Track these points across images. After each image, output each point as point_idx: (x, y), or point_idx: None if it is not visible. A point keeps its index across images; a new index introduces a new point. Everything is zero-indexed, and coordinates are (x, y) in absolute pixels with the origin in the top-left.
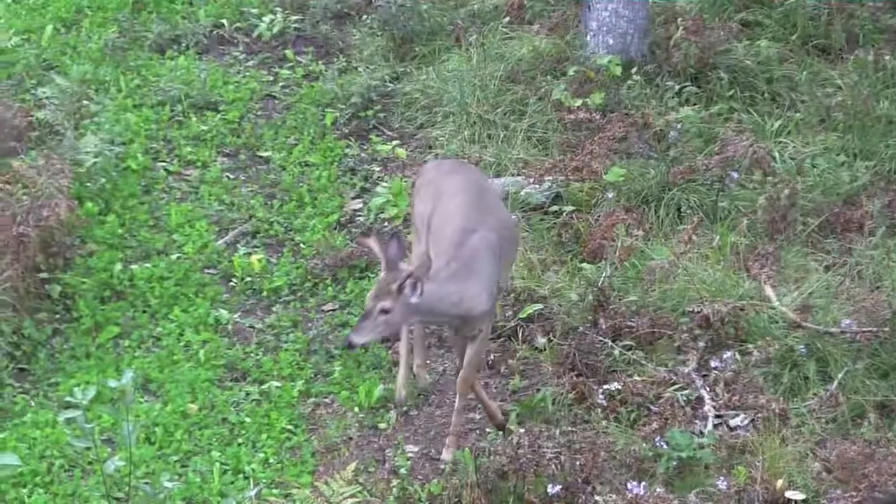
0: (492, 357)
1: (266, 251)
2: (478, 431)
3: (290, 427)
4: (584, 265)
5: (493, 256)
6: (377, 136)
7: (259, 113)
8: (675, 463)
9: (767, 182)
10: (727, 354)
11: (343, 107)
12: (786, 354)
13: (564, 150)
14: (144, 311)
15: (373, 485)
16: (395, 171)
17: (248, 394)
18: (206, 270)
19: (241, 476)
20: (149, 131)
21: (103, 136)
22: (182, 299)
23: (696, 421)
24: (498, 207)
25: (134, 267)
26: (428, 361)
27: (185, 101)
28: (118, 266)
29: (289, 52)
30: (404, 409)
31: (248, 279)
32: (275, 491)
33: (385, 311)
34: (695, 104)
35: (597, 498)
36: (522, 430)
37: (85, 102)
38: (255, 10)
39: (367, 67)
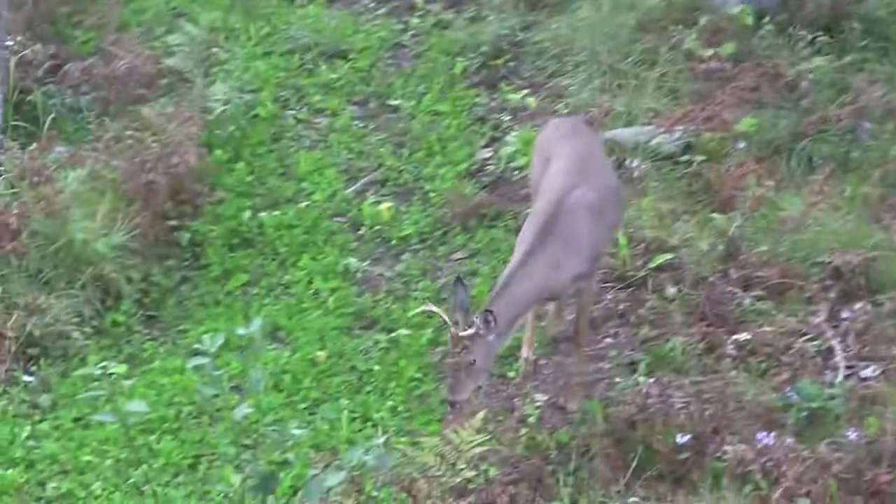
0: (621, 306)
1: (395, 199)
2: (606, 381)
3: (418, 375)
4: (715, 215)
5: (590, 215)
6: (507, 84)
7: (389, 61)
8: (804, 413)
9: None
10: (858, 305)
11: (473, 55)
12: None
13: (695, 99)
14: (273, 259)
15: (501, 434)
16: (525, 120)
17: (376, 342)
18: (335, 218)
19: (369, 424)
20: (278, 79)
21: (233, 84)
22: (311, 247)
23: (827, 372)
24: (603, 170)
25: (263, 214)
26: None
27: (314, 49)
28: (247, 213)
29: (419, 1)
30: (533, 358)
31: (377, 227)
32: (403, 439)
33: (471, 364)
34: (827, 54)
35: (726, 448)
36: (652, 380)
37: (214, 50)
38: None
39: (498, 16)
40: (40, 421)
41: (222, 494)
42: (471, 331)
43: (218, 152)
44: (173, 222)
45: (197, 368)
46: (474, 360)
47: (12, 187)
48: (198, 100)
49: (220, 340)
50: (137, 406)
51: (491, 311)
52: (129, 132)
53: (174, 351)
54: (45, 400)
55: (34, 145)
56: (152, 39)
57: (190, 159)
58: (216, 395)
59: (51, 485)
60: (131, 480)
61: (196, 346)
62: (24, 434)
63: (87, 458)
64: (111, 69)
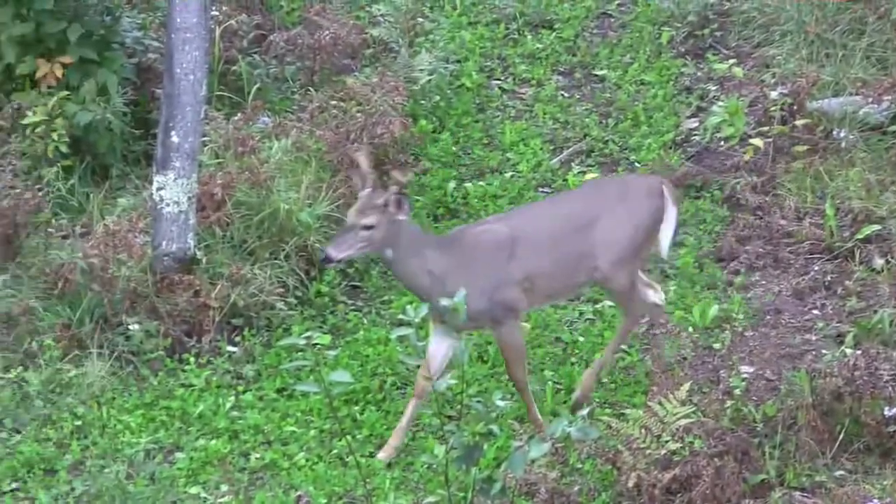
0: (828, 278)
1: (600, 169)
2: (813, 353)
3: (622, 347)
4: None
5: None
6: (713, 54)
7: (594, 31)
8: None
9: None
10: None
11: (679, 25)
12: None
13: None
14: None
15: (707, 405)
16: (732, 90)
17: (581, 313)
18: (540, 189)
19: (573, 395)
20: (483, 49)
21: (437, 54)
22: None
23: None
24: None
25: (467, 185)
26: (763, 282)
27: (519, 19)
28: (451, 184)
29: None
30: (739, 329)
31: None
32: (608, 410)
33: (368, 228)
34: None
35: None
36: (859, 352)
37: (419, 20)
38: None
39: None
40: (244, 391)
41: (426, 465)
42: (381, 199)
43: (423, 122)
44: None
45: (401, 339)
46: (374, 226)
47: (217, 157)
48: (402, 70)
49: (423, 311)
50: (341, 376)
51: (406, 195)
52: (333, 102)
53: (378, 321)
54: (248, 370)
55: (239, 115)
56: (357, 9)
57: (394, 129)
58: (419, 366)
59: (254, 455)
60: (335, 451)
61: (400, 316)
62: (228, 405)
63: (291, 428)
64: (316, 39)
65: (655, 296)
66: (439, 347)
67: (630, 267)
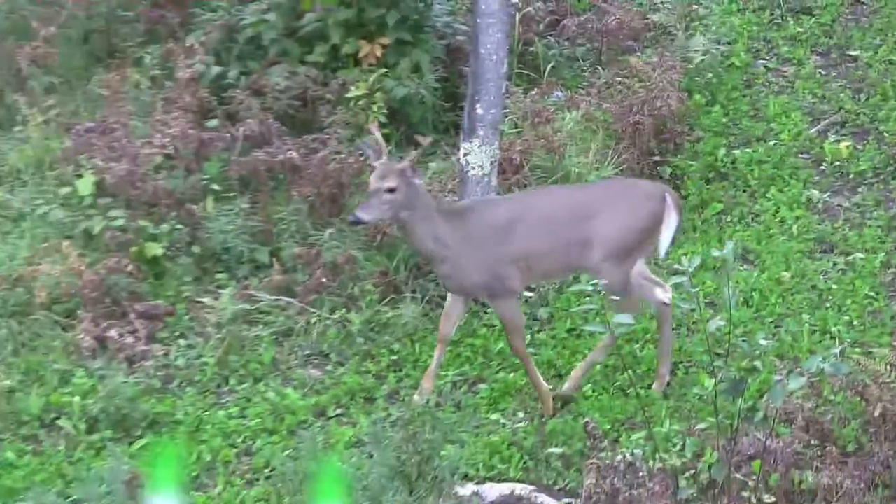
0: None
1: (853, 139)
2: None
3: (871, 294)
4: None
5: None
6: None
7: (849, 16)
8: None
9: None
10: None
11: None
12: None
13: None
14: (744, 191)
15: None
16: None
17: (834, 264)
18: (800, 155)
19: (827, 336)
20: (750, 33)
21: (710, 37)
22: (778, 180)
23: None
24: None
25: (736, 151)
26: None
27: (783, 6)
28: (722, 151)
29: None
30: None
31: (837, 163)
32: (857, 350)
33: (391, 190)
34: None
35: None
36: None
37: (694, 7)
38: None
39: None
40: (538, 331)
41: (697, 397)
42: (399, 165)
43: (697, 97)
44: (656, 158)
45: (676, 286)
46: (395, 188)
47: (516, 127)
48: (679, 50)
49: (696, 261)
50: (624, 318)
51: (415, 170)
52: (618, 79)
53: (655, 271)
54: (543, 312)
55: (535, 90)
56: None
57: (672, 103)
58: (692, 310)
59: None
60: (617, 384)
61: (675, 266)
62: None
63: (577, 360)
64: (603, 23)
65: (663, 294)
66: (454, 307)
67: (623, 265)
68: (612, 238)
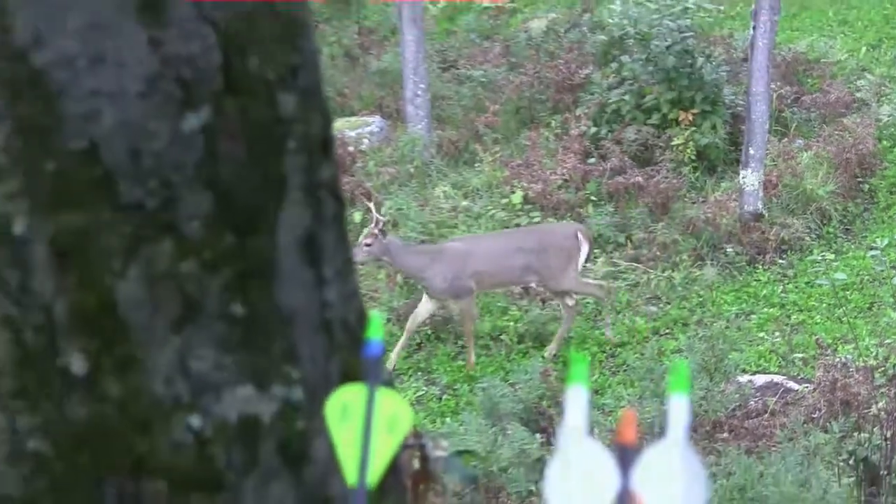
0: None
1: None
2: None
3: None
4: None
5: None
6: None
7: None
8: None
9: None
10: None
11: None
12: None
13: None
14: None
15: None
16: None
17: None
18: None
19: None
20: None
21: (893, 105)
22: None
23: None
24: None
25: None
26: None
27: None
28: None
29: None
30: None
31: None
32: None
33: (368, 245)
34: None
35: None
36: None
37: (884, 87)
38: None
39: None
40: (788, 283)
41: (886, 322)
42: (374, 229)
43: (884, 142)
44: (859, 179)
45: (873, 258)
46: (370, 243)
47: (773, 161)
48: (873, 114)
49: (885, 241)
50: (840, 276)
51: (384, 232)
52: (836, 132)
53: (861, 246)
54: (790, 273)
55: (785, 139)
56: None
57: (868, 146)
58: (882, 270)
59: (794, 317)
60: (836, 314)
61: (872, 244)
62: (779, 290)
63: (812, 302)
64: (826, 98)
65: (571, 301)
66: (425, 307)
67: (563, 276)
68: (548, 266)
